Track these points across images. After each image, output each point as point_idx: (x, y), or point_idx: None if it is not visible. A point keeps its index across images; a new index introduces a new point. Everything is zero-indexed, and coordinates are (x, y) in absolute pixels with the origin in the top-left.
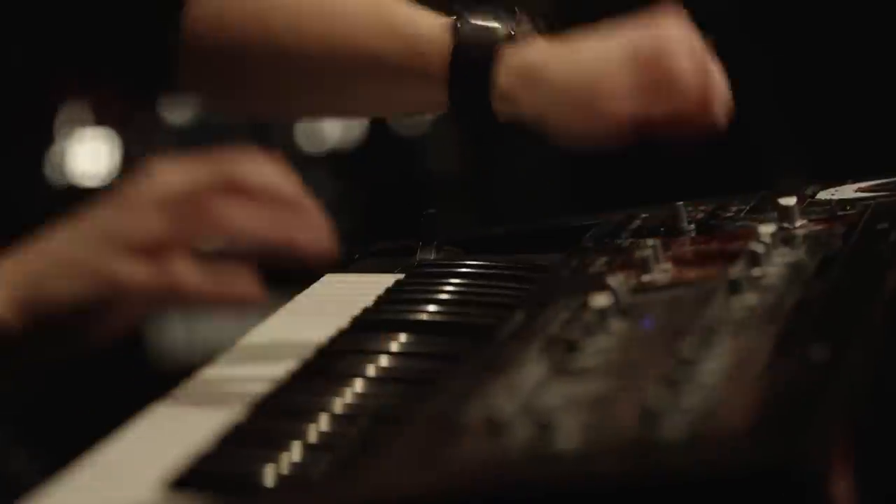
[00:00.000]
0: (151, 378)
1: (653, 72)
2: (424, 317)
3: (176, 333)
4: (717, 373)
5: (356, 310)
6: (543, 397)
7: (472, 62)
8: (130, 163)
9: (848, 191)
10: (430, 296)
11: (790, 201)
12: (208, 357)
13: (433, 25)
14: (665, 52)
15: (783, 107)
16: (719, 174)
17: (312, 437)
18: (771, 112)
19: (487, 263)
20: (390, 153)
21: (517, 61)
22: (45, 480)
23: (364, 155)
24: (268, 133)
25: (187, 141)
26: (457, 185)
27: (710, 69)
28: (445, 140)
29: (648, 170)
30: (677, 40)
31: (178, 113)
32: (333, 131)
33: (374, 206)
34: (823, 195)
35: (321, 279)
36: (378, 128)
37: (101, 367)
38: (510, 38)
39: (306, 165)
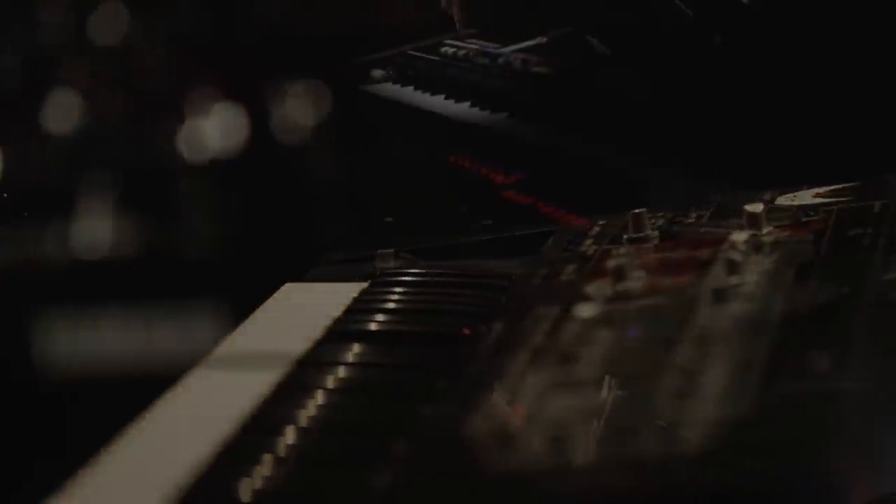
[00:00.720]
0: None
1: None
2: (397, 327)
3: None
4: (721, 384)
5: (322, 319)
6: (549, 410)
7: None
8: (9, 174)
9: (806, 196)
10: (399, 305)
11: (757, 208)
12: None
13: None
14: None
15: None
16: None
17: (308, 451)
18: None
19: (452, 272)
20: (272, 161)
21: None
22: None
23: (246, 163)
24: (151, 140)
25: (69, 151)
26: (340, 194)
27: None
28: (328, 148)
29: (535, 183)
30: None
31: (60, 122)
32: (214, 138)
33: (256, 215)
34: (783, 201)
35: (281, 289)
36: (260, 135)
37: None
38: None
39: (187, 173)
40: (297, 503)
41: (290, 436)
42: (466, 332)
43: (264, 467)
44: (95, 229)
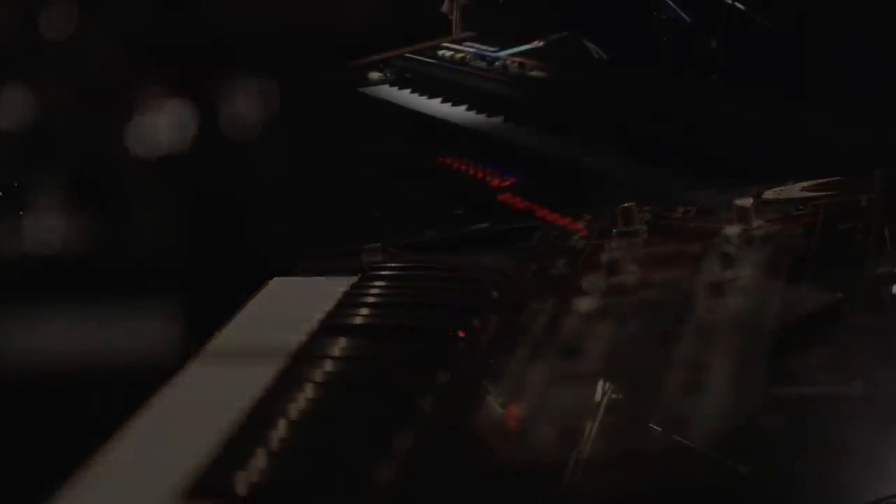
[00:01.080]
0: None
1: None
2: (392, 321)
3: None
4: (717, 385)
5: (313, 314)
6: (547, 406)
7: None
8: None
9: (793, 190)
10: (391, 299)
11: (746, 202)
12: None
13: None
14: None
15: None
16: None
17: (309, 445)
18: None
19: (441, 266)
20: (222, 158)
21: None
22: None
23: (195, 159)
24: (97, 135)
25: (20, 146)
26: (289, 191)
27: None
28: (278, 145)
29: (531, 186)
30: None
31: (7, 118)
32: (165, 135)
33: (206, 212)
34: (769, 195)
35: (269, 283)
36: (209, 132)
37: None
38: None
39: (137, 169)
40: (298, 497)
41: (291, 430)
42: (461, 334)
43: (264, 462)
44: (75, 227)
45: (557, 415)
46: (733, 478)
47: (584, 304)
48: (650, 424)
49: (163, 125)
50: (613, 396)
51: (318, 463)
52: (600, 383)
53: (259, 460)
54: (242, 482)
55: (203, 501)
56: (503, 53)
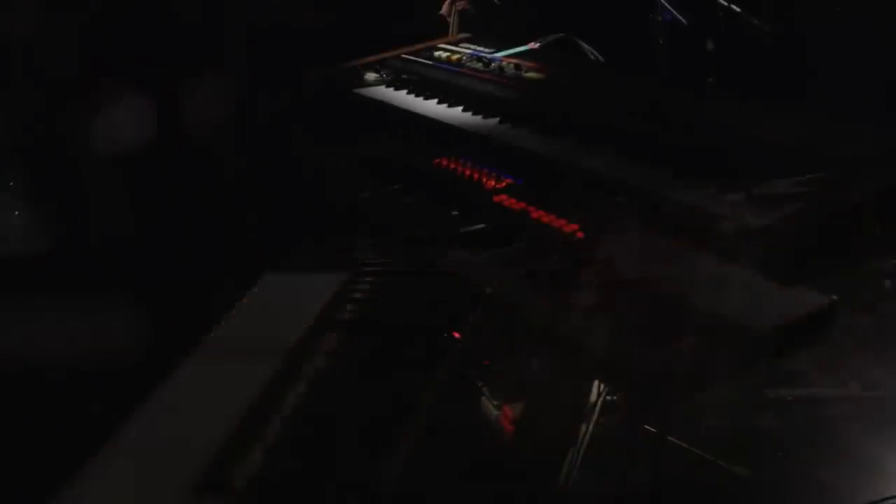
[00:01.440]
0: None
1: None
2: (388, 317)
3: None
4: (713, 385)
5: (307, 309)
6: (564, 398)
7: None
8: None
9: (783, 185)
10: (385, 296)
11: (740, 196)
12: None
13: None
14: None
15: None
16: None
17: (311, 440)
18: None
19: (433, 263)
20: (186, 154)
21: None
22: None
23: (161, 156)
24: (64, 132)
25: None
26: (283, 188)
27: None
28: (274, 142)
29: (526, 188)
30: None
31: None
32: (131, 132)
33: (170, 208)
34: (760, 190)
35: (262, 279)
36: (173, 128)
37: None
38: None
39: (104, 166)
40: (297, 492)
41: (290, 426)
42: (457, 335)
43: (263, 457)
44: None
45: (553, 413)
46: (730, 478)
47: (578, 300)
48: (642, 428)
49: (158, 121)
50: (605, 400)
51: (316, 458)
52: (593, 385)
53: (258, 456)
54: (242, 478)
55: (204, 497)
56: (499, 55)
